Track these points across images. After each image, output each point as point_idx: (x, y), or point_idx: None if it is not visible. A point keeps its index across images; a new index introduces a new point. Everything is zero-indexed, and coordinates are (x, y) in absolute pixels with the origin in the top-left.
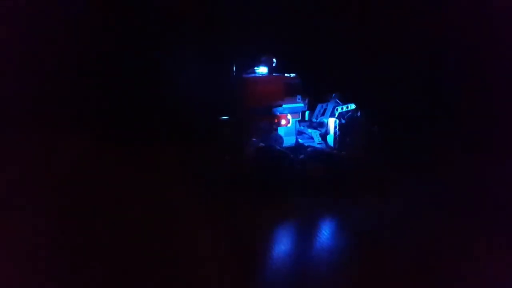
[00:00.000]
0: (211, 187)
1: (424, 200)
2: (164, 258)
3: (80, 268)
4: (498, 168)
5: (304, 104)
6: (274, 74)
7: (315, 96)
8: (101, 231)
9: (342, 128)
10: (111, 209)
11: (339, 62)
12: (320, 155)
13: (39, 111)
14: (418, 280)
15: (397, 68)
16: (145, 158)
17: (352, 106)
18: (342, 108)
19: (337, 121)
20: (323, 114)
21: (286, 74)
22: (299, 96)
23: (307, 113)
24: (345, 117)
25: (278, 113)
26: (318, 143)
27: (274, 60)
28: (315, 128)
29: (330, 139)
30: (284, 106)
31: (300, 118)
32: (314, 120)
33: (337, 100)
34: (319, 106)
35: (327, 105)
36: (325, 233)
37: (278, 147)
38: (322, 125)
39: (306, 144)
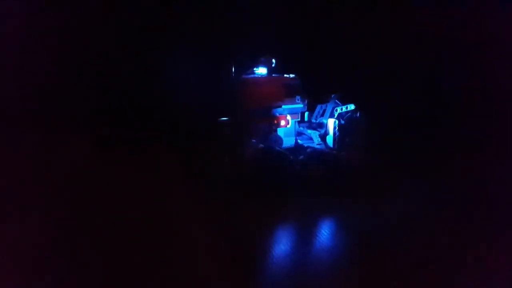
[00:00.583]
0: (211, 187)
1: (424, 200)
2: (164, 258)
3: (80, 268)
4: (498, 168)
5: (304, 105)
6: (273, 75)
7: (315, 96)
8: (101, 231)
9: (341, 129)
10: (111, 209)
11: (339, 62)
12: (319, 156)
13: (39, 111)
14: (418, 280)
15: (397, 68)
16: (145, 158)
17: (351, 107)
18: (341, 109)
19: (337, 121)
20: (322, 115)
21: (285, 75)
22: (298, 97)
23: (306, 113)
24: (345, 117)
25: (277, 114)
26: (317, 144)
27: (273, 60)
28: (314, 129)
29: (330, 139)
30: (283, 107)
31: (299, 119)
32: (313, 120)
33: (336, 100)
34: (318, 107)
35: (326, 106)
36: (325, 233)
37: (278, 148)
38: (322, 125)
39: (305, 145)
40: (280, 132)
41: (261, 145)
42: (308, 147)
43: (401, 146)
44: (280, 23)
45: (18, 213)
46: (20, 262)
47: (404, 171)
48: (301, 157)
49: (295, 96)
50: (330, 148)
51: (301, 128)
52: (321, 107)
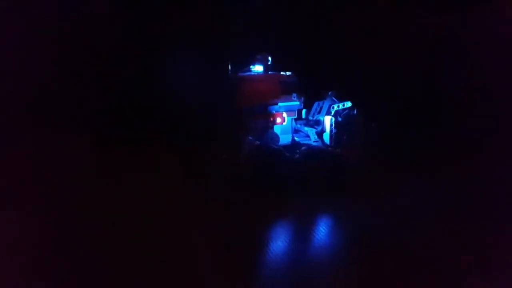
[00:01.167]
0: (211, 187)
1: (424, 200)
2: (164, 258)
3: (80, 268)
4: (498, 168)
5: (300, 102)
6: (269, 72)
7: (312, 94)
8: (101, 231)
9: (338, 126)
10: (111, 209)
11: (336, 60)
12: (316, 153)
13: (39, 111)
14: (418, 280)
15: (396, 68)
16: (145, 158)
17: (348, 104)
18: (338, 106)
19: (333, 119)
20: (319, 112)
21: (282, 72)
22: (295, 94)
23: (303, 111)
24: (342, 115)
25: (273, 112)
26: (314, 141)
27: (270, 58)
28: (311, 126)
29: (326, 137)
30: (279, 104)
31: (296, 116)
32: (310, 118)
33: (333, 98)
34: (315, 104)
35: (323, 103)
36: (323, 232)
37: (274, 146)
38: (318, 123)
39: (302, 142)
40: (277, 129)
41: (257, 143)
42: (304, 144)
43: (401, 146)
44: (277, 21)
45: (18, 213)
46: (20, 262)
47: (404, 170)
48: (298, 154)
49: (291, 94)
50: (326, 145)
51: (298, 126)
52: (318, 104)
